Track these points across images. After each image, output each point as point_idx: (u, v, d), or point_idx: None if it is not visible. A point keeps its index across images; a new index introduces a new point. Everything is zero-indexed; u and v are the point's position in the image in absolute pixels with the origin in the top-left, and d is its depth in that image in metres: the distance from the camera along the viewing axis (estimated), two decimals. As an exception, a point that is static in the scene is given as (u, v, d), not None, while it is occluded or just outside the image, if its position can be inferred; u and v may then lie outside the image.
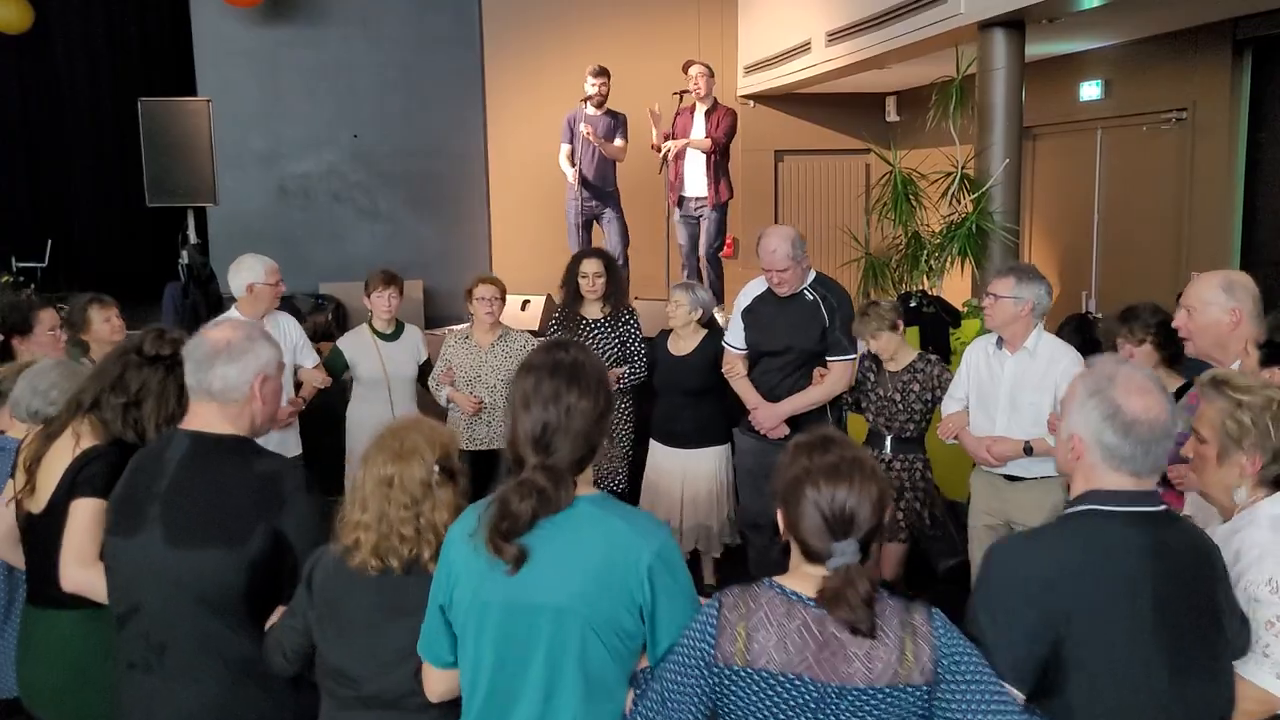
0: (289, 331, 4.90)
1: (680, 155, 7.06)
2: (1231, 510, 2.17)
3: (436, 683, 2.05)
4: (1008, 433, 3.76)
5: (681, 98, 7.06)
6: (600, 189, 7.16)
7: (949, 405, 4.06)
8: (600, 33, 8.90)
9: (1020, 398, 3.76)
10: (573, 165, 7.04)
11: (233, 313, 4.65)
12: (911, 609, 1.78)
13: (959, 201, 5.88)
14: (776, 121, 9.58)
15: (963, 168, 5.87)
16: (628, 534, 1.87)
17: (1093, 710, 1.83)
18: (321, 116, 8.97)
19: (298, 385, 4.91)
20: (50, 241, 8.79)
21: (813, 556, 1.79)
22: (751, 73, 9.19)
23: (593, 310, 5.05)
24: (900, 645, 1.73)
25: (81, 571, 2.44)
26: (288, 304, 7.54)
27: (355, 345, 5.17)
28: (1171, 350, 3.53)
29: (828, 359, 4.25)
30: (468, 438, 5.04)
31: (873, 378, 4.50)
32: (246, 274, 4.65)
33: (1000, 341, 3.84)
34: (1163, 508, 1.93)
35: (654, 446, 4.93)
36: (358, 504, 2.11)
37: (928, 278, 6.05)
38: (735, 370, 4.44)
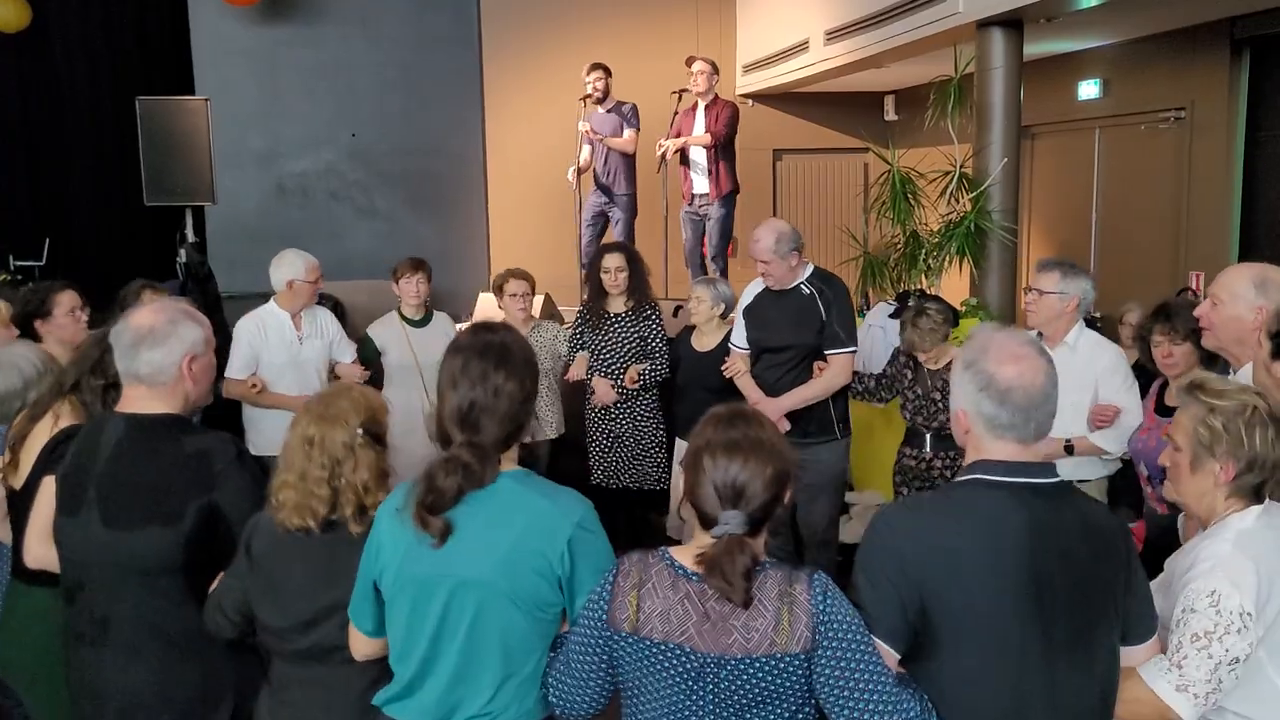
0: (327, 327, 4.93)
1: (684, 155, 7.06)
2: (1209, 519, 2.11)
3: (362, 645, 2.15)
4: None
5: (680, 97, 7.06)
6: (608, 186, 7.16)
7: None
8: (599, 32, 8.90)
9: (1061, 396, 3.67)
10: (579, 167, 7.04)
11: (270, 305, 4.81)
12: (794, 578, 1.81)
13: (957, 200, 5.88)
14: (775, 120, 9.58)
15: (961, 167, 5.87)
16: (548, 509, 1.96)
17: (958, 679, 1.82)
18: (320, 115, 8.97)
19: (334, 379, 4.92)
20: (48, 240, 8.78)
21: (706, 524, 1.85)
22: (750, 71, 9.20)
23: (616, 305, 5.08)
24: (777, 615, 1.77)
25: (41, 547, 2.53)
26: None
27: (385, 332, 5.19)
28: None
29: (826, 353, 4.24)
30: None
31: (910, 375, 4.48)
32: (287, 270, 4.74)
33: (1039, 337, 3.71)
34: (1055, 479, 1.88)
35: (679, 445, 4.90)
36: (284, 464, 2.20)
37: (926, 277, 6.05)
38: (736, 368, 4.44)
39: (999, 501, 1.84)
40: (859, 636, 1.78)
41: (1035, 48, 6.45)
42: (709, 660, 1.79)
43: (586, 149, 7.10)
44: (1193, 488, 2.12)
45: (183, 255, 7.25)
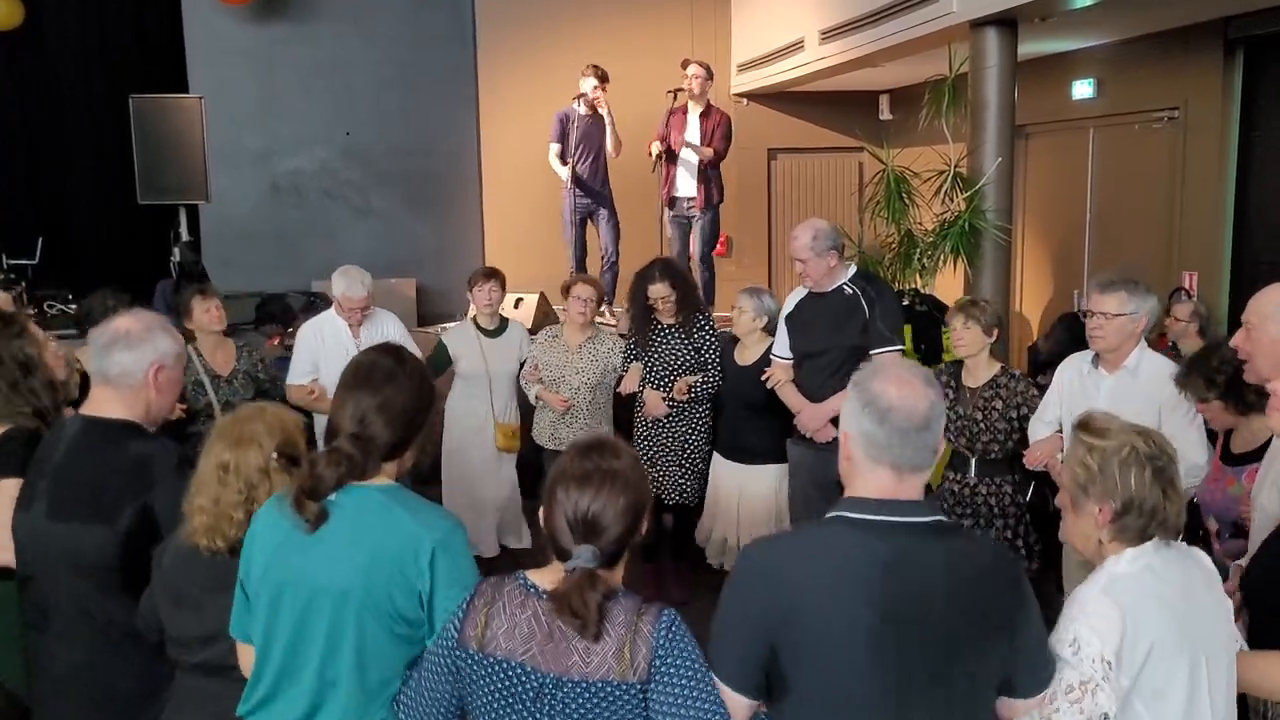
0: (391, 333, 4.92)
1: (673, 156, 7.06)
2: (1096, 562, 2.04)
3: (245, 656, 2.16)
4: None
5: (675, 96, 7.05)
6: (594, 188, 7.16)
7: (1038, 429, 3.76)
8: (594, 31, 8.89)
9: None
10: (564, 164, 7.03)
11: (330, 312, 4.96)
12: (644, 611, 1.82)
13: (952, 200, 5.88)
14: (770, 119, 9.58)
15: (955, 166, 5.88)
16: (409, 523, 2.00)
17: (807, 717, 1.79)
18: (315, 114, 8.96)
19: None
20: (41, 239, 8.75)
21: (559, 554, 1.86)
22: (745, 71, 9.19)
23: (665, 318, 4.88)
24: (620, 643, 1.78)
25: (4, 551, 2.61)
26: (278, 302, 7.55)
27: (459, 340, 5.21)
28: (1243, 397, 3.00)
29: (871, 352, 4.00)
30: (549, 437, 5.03)
31: (951, 395, 4.19)
32: (336, 286, 4.89)
33: (1096, 359, 3.51)
34: (928, 519, 1.82)
35: (715, 459, 4.79)
36: (197, 488, 2.24)
37: (920, 276, 6.06)
38: (777, 378, 4.28)
39: (858, 541, 1.79)
40: (695, 675, 1.78)
41: (1029, 47, 6.45)
42: (548, 680, 1.80)
43: (556, 146, 7.05)
44: (1077, 530, 2.06)
45: (177, 254, 7.24)
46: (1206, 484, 3.16)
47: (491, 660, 1.83)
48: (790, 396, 4.22)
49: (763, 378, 4.35)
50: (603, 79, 6.99)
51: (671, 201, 7.16)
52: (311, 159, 9.05)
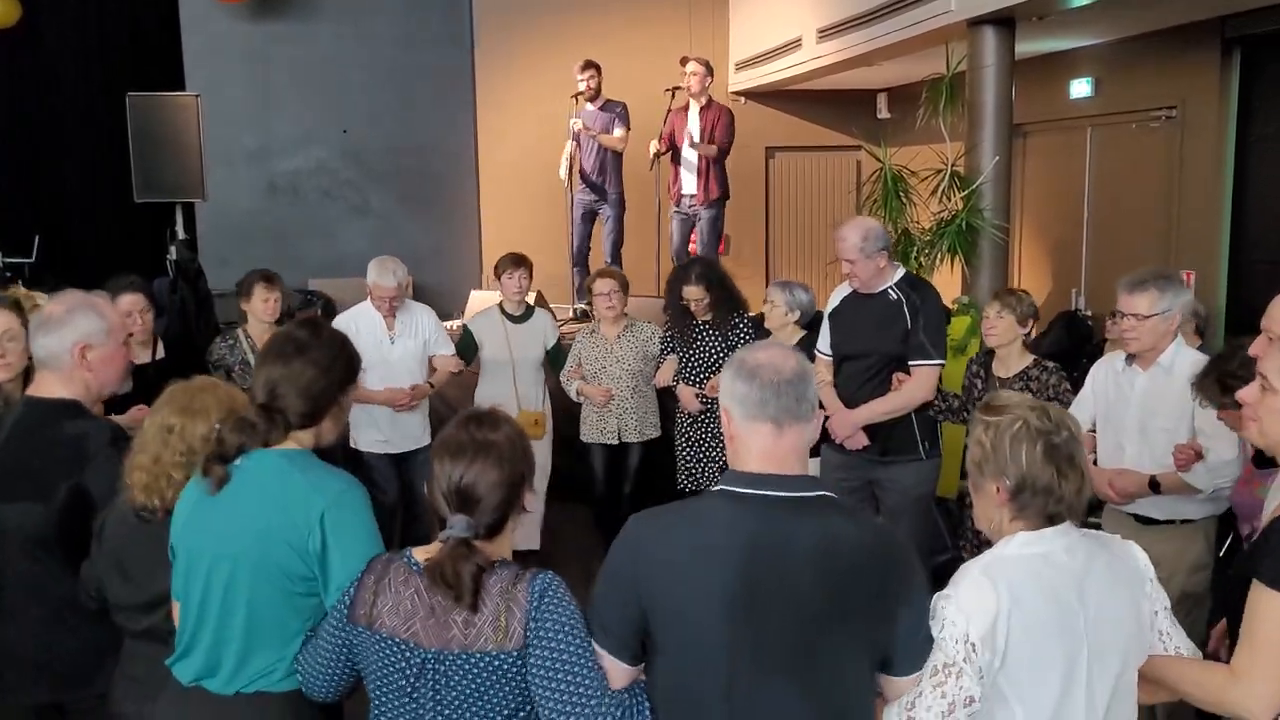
0: (423, 326, 4.98)
1: (676, 154, 7.06)
2: None
3: (178, 613, 2.25)
4: (1137, 464, 3.28)
5: (674, 95, 7.05)
6: (598, 184, 7.16)
7: None
8: (591, 30, 8.89)
9: (1151, 423, 3.27)
10: (567, 163, 7.06)
11: (365, 304, 4.96)
12: (519, 578, 1.86)
13: (949, 198, 5.88)
14: (768, 118, 9.58)
15: (953, 165, 5.87)
16: (303, 485, 2.08)
17: (672, 686, 1.83)
18: (312, 113, 8.95)
19: (431, 371, 5.01)
20: (38, 237, 8.74)
21: (440, 525, 1.91)
22: (743, 69, 9.19)
23: (701, 315, 4.87)
24: (495, 613, 1.83)
25: None
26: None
27: (484, 326, 5.23)
28: None
29: (909, 363, 3.91)
30: (600, 430, 5.07)
31: (981, 385, 4.14)
32: (369, 275, 4.89)
33: (1130, 357, 3.36)
34: (807, 493, 1.82)
35: None
36: (139, 447, 2.32)
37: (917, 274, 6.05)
38: (820, 377, 4.02)
39: (731, 512, 1.81)
40: (571, 640, 1.82)
41: (1027, 46, 6.46)
42: (430, 656, 1.85)
43: (570, 145, 7.09)
44: (981, 511, 1.99)
45: (173, 253, 7.23)
46: (1238, 486, 3.07)
47: (379, 637, 1.89)
48: (828, 397, 4.06)
49: None
50: (586, 67, 7.00)
51: (677, 199, 7.16)
52: (309, 158, 9.04)
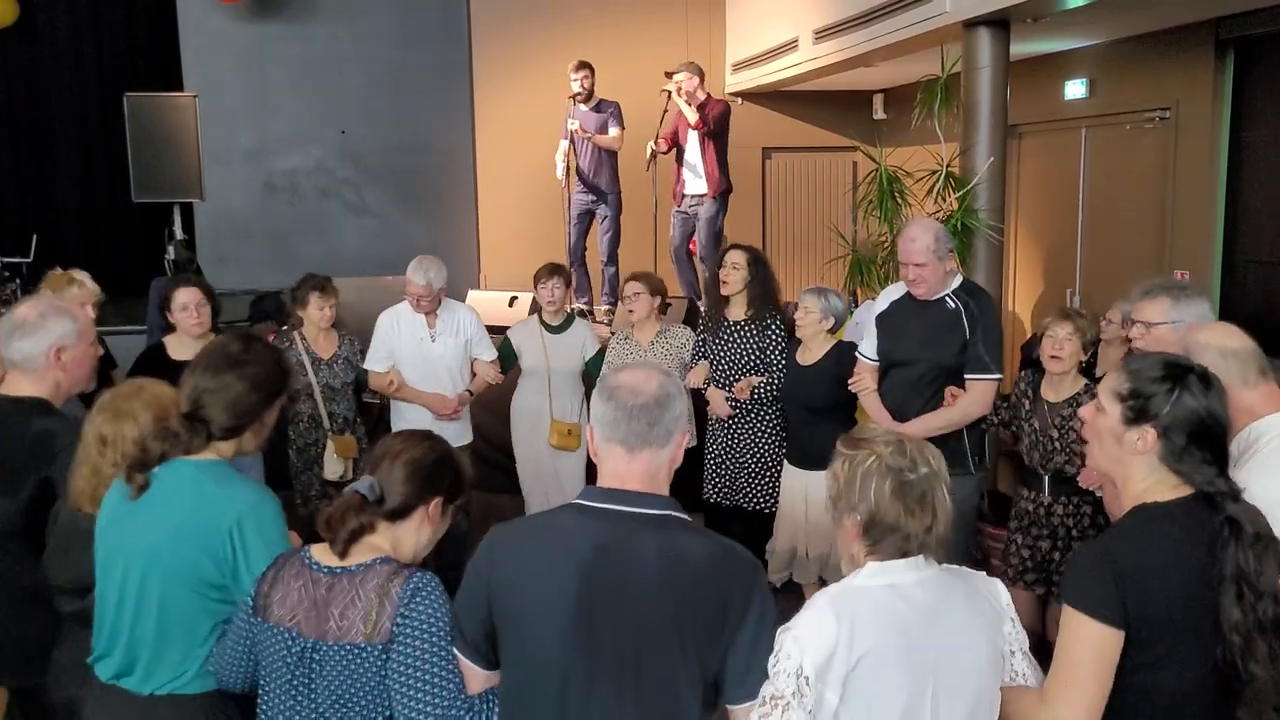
0: (465, 325, 4.97)
1: (680, 154, 7.07)
2: None
3: None
4: None
5: (670, 96, 7.06)
6: (594, 184, 7.17)
7: None
8: (588, 30, 8.90)
9: None
10: (564, 162, 7.06)
11: (407, 302, 4.92)
12: (397, 575, 1.96)
13: (944, 199, 5.90)
14: (764, 119, 9.59)
15: (948, 166, 5.90)
16: (216, 495, 2.17)
17: (512, 697, 1.88)
18: (309, 112, 8.96)
19: (471, 376, 5.01)
20: (36, 236, 8.75)
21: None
22: (739, 70, 9.21)
23: (736, 312, 4.77)
24: (368, 607, 1.92)
25: None
26: (273, 299, 7.55)
27: (523, 335, 5.20)
28: None
29: (965, 376, 3.73)
30: None
31: (1028, 405, 3.97)
32: (408, 273, 4.92)
33: None
34: (654, 511, 1.84)
35: (785, 465, 4.56)
36: (81, 457, 2.41)
37: (913, 275, 6.06)
38: (863, 383, 3.97)
39: (577, 526, 1.85)
40: (432, 640, 1.89)
41: (1022, 47, 6.48)
42: (309, 645, 1.95)
43: (564, 144, 7.10)
44: (842, 545, 1.95)
45: (171, 252, 7.25)
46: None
47: (268, 626, 2.00)
48: (872, 406, 3.91)
49: (850, 382, 4.05)
50: (580, 67, 7.00)
51: (679, 199, 7.17)
52: (306, 157, 9.05)
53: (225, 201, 8.54)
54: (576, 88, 7.03)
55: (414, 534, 2.06)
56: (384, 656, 1.89)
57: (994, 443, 4.02)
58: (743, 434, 4.71)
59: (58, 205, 10.20)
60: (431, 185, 9.24)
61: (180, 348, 4.38)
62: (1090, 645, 1.86)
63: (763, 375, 4.62)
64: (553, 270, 5.22)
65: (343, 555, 1.98)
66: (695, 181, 7.05)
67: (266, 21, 8.82)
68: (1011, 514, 4.18)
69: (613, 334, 5.32)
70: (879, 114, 9.66)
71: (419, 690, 1.86)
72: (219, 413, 2.23)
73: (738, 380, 4.66)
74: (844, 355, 4.31)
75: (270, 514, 2.20)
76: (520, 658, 1.85)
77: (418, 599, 1.91)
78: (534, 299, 7.14)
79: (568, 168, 7.15)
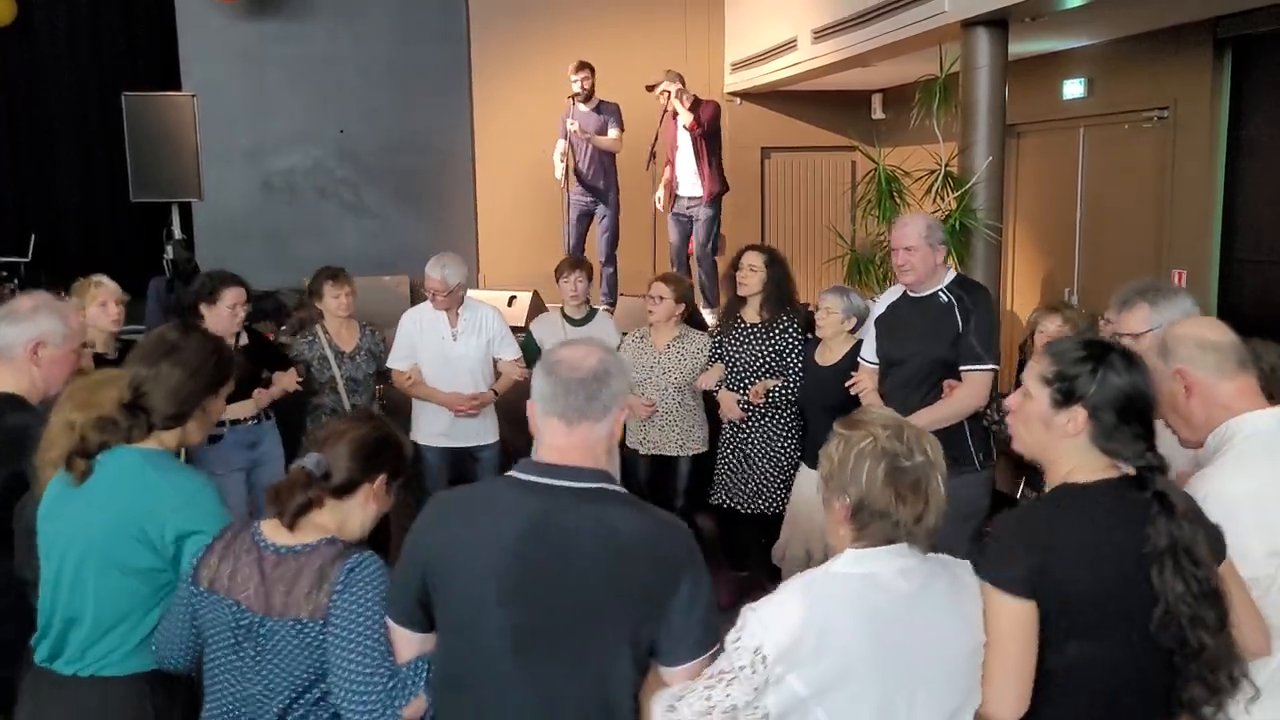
0: (488, 325, 4.95)
1: (672, 156, 7.07)
2: None
3: None
4: None
5: (669, 97, 7.05)
6: (594, 185, 7.17)
7: None
8: (587, 29, 8.90)
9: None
10: (564, 163, 7.06)
11: (425, 303, 4.95)
12: (340, 555, 2.03)
13: (943, 199, 5.91)
14: (763, 118, 9.60)
15: (946, 165, 5.90)
16: (156, 483, 2.22)
17: (444, 664, 1.93)
18: (307, 112, 8.96)
19: (496, 376, 5.00)
20: (34, 236, 8.75)
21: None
22: (738, 69, 9.21)
23: (751, 314, 4.72)
24: (310, 584, 2.01)
25: None
26: (271, 299, 7.55)
27: (545, 329, 5.19)
28: None
29: (960, 369, 3.70)
30: (640, 440, 4.95)
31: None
32: (427, 270, 4.86)
33: None
34: (588, 484, 1.87)
35: (802, 467, 4.51)
36: (47, 444, 2.43)
37: (911, 275, 6.06)
38: (863, 385, 3.97)
39: (514, 497, 1.88)
40: (365, 615, 1.97)
41: (1020, 47, 6.48)
42: (255, 619, 2.03)
43: (562, 144, 7.09)
44: (831, 529, 1.90)
45: (169, 252, 7.24)
46: None
47: (216, 598, 2.07)
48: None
49: (848, 384, 4.06)
50: (580, 68, 7.00)
51: (674, 200, 7.16)
52: (304, 156, 9.04)
53: (223, 201, 8.54)
54: (576, 88, 7.03)
55: (360, 510, 2.13)
56: (322, 632, 1.98)
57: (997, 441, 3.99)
58: (756, 437, 4.67)
59: (56, 205, 10.20)
60: (430, 185, 9.24)
61: None
62: (1009, 617, 1.86)
63: (778, 378, 4.59)
64: (575, 264, 5.22)
65: (291, 528, 2.06)
66: (689, 183, 7.04)
67: (265, 21, 8.81)
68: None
69: (624, 333, 5.30)
70: (878, 114, 9.67)
71: (348, 660, 1.95)
72: (159, 401, 2.27)
73: (753, 383, 4.61)
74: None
75: (210, 501, 2.24)
76: (453, 625, 1.90)
77: (354, 576, 1.99)
78: (532, 299, 7.21)
79: (566, 168, 7.14)
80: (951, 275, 3.86)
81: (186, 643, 2.17)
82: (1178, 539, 1.85)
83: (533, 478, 1.89)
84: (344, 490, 2.11)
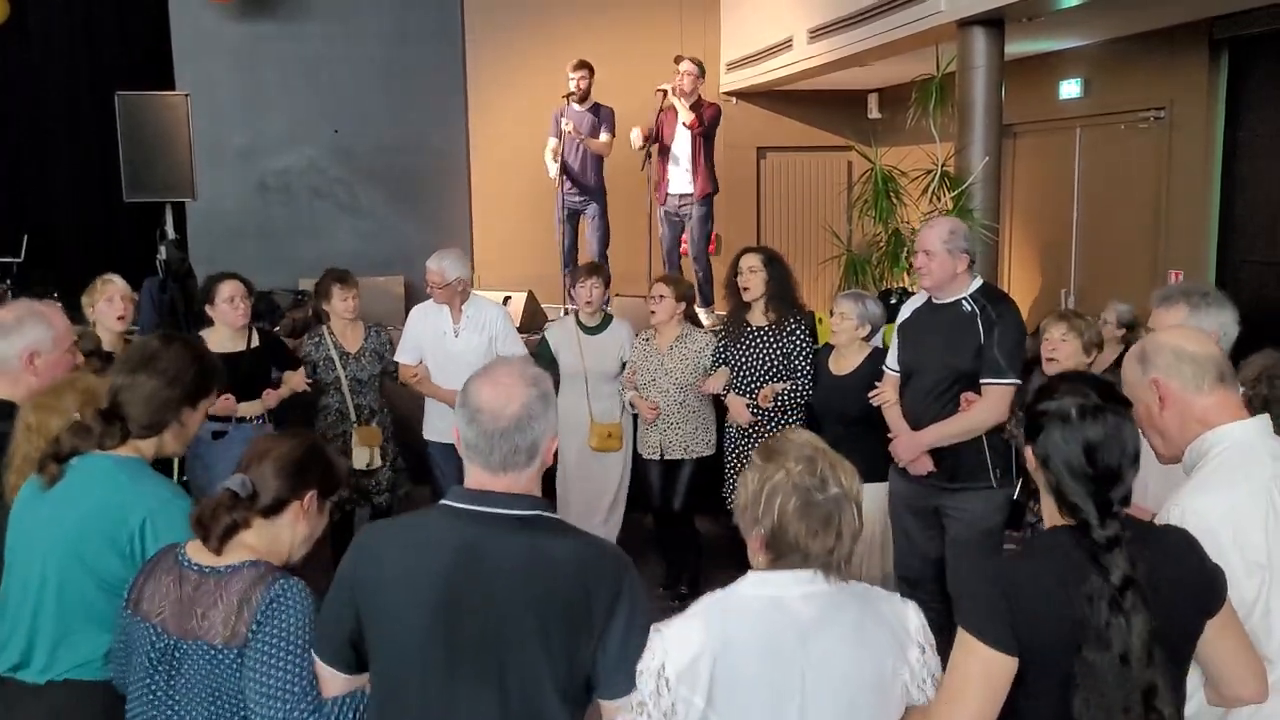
0: (491, 322, 4.88)
1: (665, 154, 7.05)
2: None
3: None
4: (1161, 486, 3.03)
5: (665, 95, 7.04)
6: (585, 184, 7.16)
7: None
8: (583, 28, 8.89)
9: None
10: (556, 161, 7.04)
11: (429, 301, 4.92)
12: (262, 580, 1.97)
13: (939, 199, 5.90)
14: (759, 118, 9.59)
15: (943, 165, 5.89)
16: (127, 490, 2.20)
17: (379, 690, 1.88)
18: (302, 112, 8.92)
19: None
20: (26, 236, 8.71)
21: None
22: (734, 69, 9.21)
23: (756, 316, 4.66)
24: (230, 610, 1.95)
25: None
26: (265, 300, 7.53)
27: (560, 336, 5.11)
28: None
29: (980, 381, 3.59)
30: (645, 444, 4.89)
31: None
32: (428, 264, 4.82)
33: None
34: (520, 512, 1.83)
35: None
36: (13, 448, 2.43)
37: (908, 275, 6.07)
38: (885, 396, 3.88)
39: (445, 525, 1.84)
40: (287, 645, 1.91)
41: (1017, 47, 6.48)
42: (173, 642, 1.98)
43: (553, 141, 7.07)
44: (750, 554, 1.88)
45: (163, 252, 7.20)
46: None
47: (138, 621, 2.03)
48: (894, 419, 3.81)
49: (870, 395, 3.96)
50: (579, 67, 6.99)
51: (664, 199, 7.14)
52: (299, 156, 9.01)
53: (217, 201, 8.50)
54: (573, 86, 7.00)
55: (289, 530, 2.09)
56: (239, 660, 1.92)
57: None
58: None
59: (48, 205, 10.15)
60: (425, 185, 9.20)
61: (221, 341, 4.45)
62: (979, 668, 1.79)
63: (786, 381, 4.53)
64: (592, 269, 5.10)
65: (218, 552, 2.00)
66: (681, 181, 7.02)
67: (259, 20, 8.78)
68: (1024, 522, 4.10)
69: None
70: (874, 113, 9.67)
71: (268, 693, 1.89)
72: (136, 410, 2.27)
73: (760, 387, 4.56)
74: (880, 362, 4.15)
75: (179, 512, 2.18)
76: (385, 657, 1.85)
77: (275, 605, 1.93)
78: (527, 299, 7.19)
79: (558, 166, 7.12)
80: (977, 284, 3.73)
81: (125, 663, 2.11)
82: (1130, 576, 1.76)
83: (465, 505, 1.85)
84: (272, 510, 2.06)
